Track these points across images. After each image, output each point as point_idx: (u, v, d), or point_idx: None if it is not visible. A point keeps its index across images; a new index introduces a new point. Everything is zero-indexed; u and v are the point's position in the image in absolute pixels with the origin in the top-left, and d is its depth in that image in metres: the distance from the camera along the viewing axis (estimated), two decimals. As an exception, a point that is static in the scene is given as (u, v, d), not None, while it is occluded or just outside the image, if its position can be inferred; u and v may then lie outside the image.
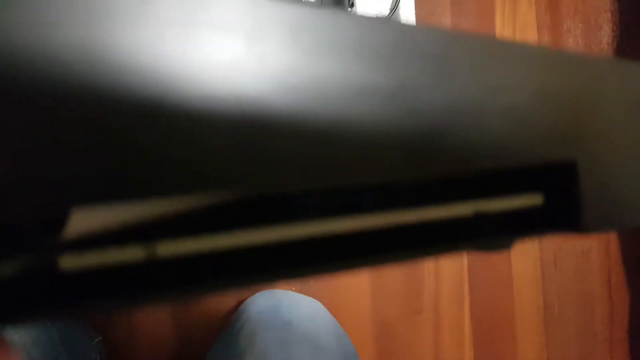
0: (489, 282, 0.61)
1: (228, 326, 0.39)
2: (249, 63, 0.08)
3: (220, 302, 0.49)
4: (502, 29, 0.65)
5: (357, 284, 0.55)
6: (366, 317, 0.54)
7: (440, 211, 0.10)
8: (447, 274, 0.59)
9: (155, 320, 0.47)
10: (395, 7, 0.48)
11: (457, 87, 0.10)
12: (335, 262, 0.10)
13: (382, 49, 0.09)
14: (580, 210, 0.11)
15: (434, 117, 0.10)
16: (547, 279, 0.64)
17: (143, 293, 0.08)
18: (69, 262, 0.08)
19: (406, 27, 0.10)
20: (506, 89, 0.10)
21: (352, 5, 0.46)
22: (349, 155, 0.09)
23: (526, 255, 0.63)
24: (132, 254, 0.08)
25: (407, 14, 0.55)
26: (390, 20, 0.09)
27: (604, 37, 0.69)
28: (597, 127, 0.11)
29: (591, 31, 0.69)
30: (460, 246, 0.11)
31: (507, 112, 0.10)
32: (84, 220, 0.08)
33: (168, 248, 0.09)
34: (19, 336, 0.29)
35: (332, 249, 0.10)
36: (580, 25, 0.68)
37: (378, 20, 0.09)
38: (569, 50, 0.11)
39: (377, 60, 0.09)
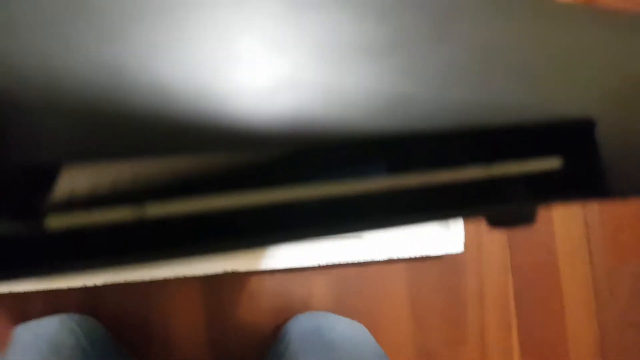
0: (538, 308, 0.58)
1: (271, 348, 0.39)
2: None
3: (256, 324, 0.48)
4: None
5: (397, 310, 0.53)
6: (407, 344, 0.53)
7: (452, 174, 0.10)
8: (492, 302, 0.56)
9: (191, 341, 0.47)
10: None
11: (463, 42, 0.10)
12: (345, 222, 0.09)
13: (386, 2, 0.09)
14: (602, 173, 0.10)
15: (439, 72, 0.09)
16: (601, 306, 0.60)
17: (132, 252, 0.08)
18: (57, 221, 0.08)
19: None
20: (515, 45, 0.10)
21: None
22: (354, 112, 0.09)
23: (577, 278, 0.60)
24: (122, 214, 0.08)
25: None
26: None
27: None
28: (619, 86, 0.10)
29: None
30: (475, 210, 0.10)
31: (514, 69, 0.10)
32: (73, 180, 0.08)
33: (157, 209, 0.08)
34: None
35: (345, 212, 0.09)
36: None
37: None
38: (586, 4, 0.10)
39: (380, 13, 0.09)
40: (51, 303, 0.45)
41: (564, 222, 0.65)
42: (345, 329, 0.37)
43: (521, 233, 0.66)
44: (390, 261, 0.63)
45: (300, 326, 0.38)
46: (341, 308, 0.48)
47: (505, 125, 0.10)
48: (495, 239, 0.67)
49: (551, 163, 0.10)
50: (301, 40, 0.09)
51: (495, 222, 0.12)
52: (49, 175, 0.08)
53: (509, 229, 0.13)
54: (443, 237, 0.64)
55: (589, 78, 0.10)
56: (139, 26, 0.07)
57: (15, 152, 0.07)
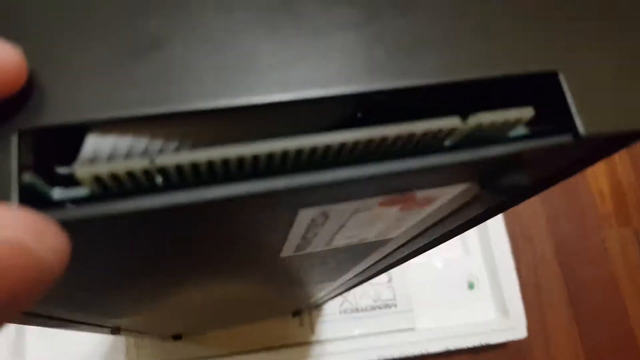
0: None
1: None
2: None
3: None
4: None
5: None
6: None
7: (425, 124, 0.11)
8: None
9: None
10: None
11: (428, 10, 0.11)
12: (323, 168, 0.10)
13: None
14: (572, 116, 0.11)
15: (410, 38, 0.11)
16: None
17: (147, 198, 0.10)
18: (84, 171, 0.10)
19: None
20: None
21: None
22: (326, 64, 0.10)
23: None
24: (135, 164, 0.10)
25: None
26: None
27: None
28: (576, 39, 0.12)
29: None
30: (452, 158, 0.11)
31: (482, 37, 0.11)
32: (97, 142, 0.10)
33: (164, 159, 0.10)
34: None
35: (321, 161, 0.11)
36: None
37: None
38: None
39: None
40: None
41: (636, 296, 0.61)
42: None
43: (589, 310, 0.62)
44: (448, 353, 0.60)
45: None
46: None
47: (476, 80, 0.11)
48: (561, 316, 0.63)
49: (525, 112, 0.11)
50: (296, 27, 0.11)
51: (489, 185, 0.12)
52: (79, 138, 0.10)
53: (507, 200, 0.14)
54: (503, 324, 0.62)
55: (549, 35, 0.12)
56: None
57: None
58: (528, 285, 0.66)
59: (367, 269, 0.28)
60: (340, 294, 0.47)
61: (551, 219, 0.70)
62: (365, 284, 0.63)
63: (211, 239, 0.14)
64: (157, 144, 0.10)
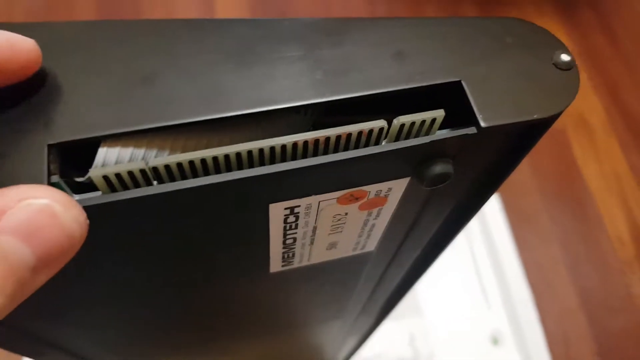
0: None
1: None
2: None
3: None
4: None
5: None
6: None
7: (358, 126, 0.14)
8: None
9: None
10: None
11: (353, 49, 0.15)
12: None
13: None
14: (474, 112, 0.14)
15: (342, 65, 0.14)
16: None
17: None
18: (96, 172, 0.13)
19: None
20: (401, 50, 0.15)
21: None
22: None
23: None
24: (134, 166, 0.13)
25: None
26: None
27: None
28: (474, 56, 0.15)
29: None
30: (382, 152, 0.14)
31: (397, 60, 0.15)
32: (107, 152, 0.13)
33: (156, 160, 0.13)
34: None
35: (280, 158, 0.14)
36: None
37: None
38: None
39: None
40: None
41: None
42: None
43: (611, 345, 0.61)
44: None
45: None
46: None
47: (396, 91, 0.14)
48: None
49: (437, 113, 0.14)
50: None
51: (420, 174, 0.15)
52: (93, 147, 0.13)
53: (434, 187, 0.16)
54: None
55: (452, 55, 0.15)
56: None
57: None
58: (555, 338, 0.65)
59: (370, 298, 0.30)
60: (358, 347, 0.48)
61: (572, 266, 0.70)
62: (386, 346, 0.64)
63: (202, 245, 0.17)
64: (152, 152, 0.14)
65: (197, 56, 0.14)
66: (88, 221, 0.12)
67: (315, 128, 0.16)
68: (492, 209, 0.72)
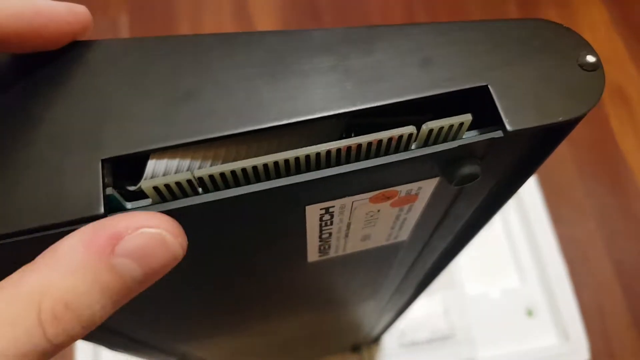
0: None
1: None
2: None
3: None
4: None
5: None
6: None
7: (388, 133, 0.15)
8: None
9: None
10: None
11: (381, 57, 0.15)
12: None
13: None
14: (501, 116, 0.14)
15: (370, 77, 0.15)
16: None
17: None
18: (147, 184, 0.14)
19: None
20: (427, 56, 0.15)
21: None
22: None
23: None
24: (181, 177, 0.14)
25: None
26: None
27: None
28: (500, 60, 0.15)
29: None
30: (412, 156, 0.14)
31: (424, 66, 0.15)
32: (155, 164, 0.15)
33: (201, 171, 0.14)
34: None
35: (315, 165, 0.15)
36: None
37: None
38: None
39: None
40: None
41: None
42: None
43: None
44: (511, 381, 0.60)
45: None
46: None
47: (425, 97, 0.15)
48: (626, 338, 0.62)
49: (465, 118, 0.15)
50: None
51: (456, 180, 0.16)
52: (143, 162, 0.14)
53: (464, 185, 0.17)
54: (564, 348, 0.61)
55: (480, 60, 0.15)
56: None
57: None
58: (590, 310, 0.65)
59: (403, 280, 0.31)
60: (392, 322, 0.50)
61: (608, 239, 0.69)
62: (421, 316, 0.65)
63: (247, 243, 0.18)
64: (197, 162, 0.15)
65: (233, 70, 0.15)
66: (187, 242, 0.13)
67: (348, 129, 0.16)
68: (527, 183, 0.71)
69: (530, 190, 0.71)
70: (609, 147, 0.72)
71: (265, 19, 0.82)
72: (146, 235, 0.12)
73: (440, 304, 0.66)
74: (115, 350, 0.30)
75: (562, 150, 0.72)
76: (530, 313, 0.66)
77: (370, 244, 0.22)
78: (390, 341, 0.63)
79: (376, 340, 0.62)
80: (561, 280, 0.66)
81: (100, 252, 0.12)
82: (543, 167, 0.17)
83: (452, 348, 0.63)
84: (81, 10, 0.15)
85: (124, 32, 0.81)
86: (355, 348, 0.62)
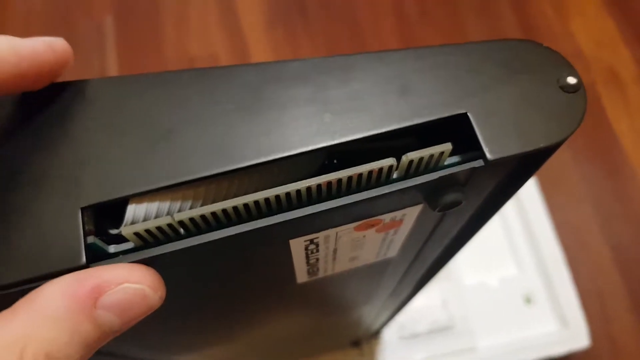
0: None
1: None
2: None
3: None
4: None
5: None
6: None
7: (368, 166, 0.14)
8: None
9: None
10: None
11: (359, 86, 0.15)
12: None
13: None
14: (481, 146, 0.14)
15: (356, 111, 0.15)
16: None
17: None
18: (127, 230, 0.14)
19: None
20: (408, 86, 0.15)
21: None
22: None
23: None
24: (162, 221, 0.14)
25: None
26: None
27: None
28: (479, 85, 0.15)
29: None
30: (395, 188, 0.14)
31: (402, 95, 0.15)
32: (135, 208, 0.14)
33: (181, 215, 0.14)
34: None
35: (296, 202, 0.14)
36: None
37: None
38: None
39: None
40: None
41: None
42: None
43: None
44: (511, 369, 0.60)
45: None
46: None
47: (404, 128, 0.15)
48: (626, 322, 0.62)
49: (445, 147, 0.14)
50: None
51: (433, 202, 0.16)
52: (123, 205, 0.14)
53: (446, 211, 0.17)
54: (564, 334, 0.61)
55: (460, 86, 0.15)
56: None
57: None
58: (589, 295, 0.66)
59: (397, 287, 0.31)
60: (391, 318, 0.50)
61: (605, 223, 0.69)
62: (420, 308, 0.65)
63: (233, 273, 0.18)
64: (177, 204, 0.15)
65: (209, 107, 0.15)
66: (165, 293, 0.14)
67: (330, 156, 0.16)
68: (521, 170, 0.71)
69: (524, 178, 0.70)
70: (602, 131, 0.72)
71: (251, 14, 0.81)
72: (129, 291, 0.13)
73: (439, 295, 0.66)
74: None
75: (556, 136, 0.72)
76: (528, 300, 0.66)
77: (359, 263, 0.22)
78: (390, 335, 0.63)
79: (376, 334, 0.62)
80: (558, 266, 0.66)
81: (82, 304, 0.12)
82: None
83: (452, 338, 0.64)
84: (60, 46, 0.15)
85: (110, 34, 0.80)
86: (355, 343, 0.62)
